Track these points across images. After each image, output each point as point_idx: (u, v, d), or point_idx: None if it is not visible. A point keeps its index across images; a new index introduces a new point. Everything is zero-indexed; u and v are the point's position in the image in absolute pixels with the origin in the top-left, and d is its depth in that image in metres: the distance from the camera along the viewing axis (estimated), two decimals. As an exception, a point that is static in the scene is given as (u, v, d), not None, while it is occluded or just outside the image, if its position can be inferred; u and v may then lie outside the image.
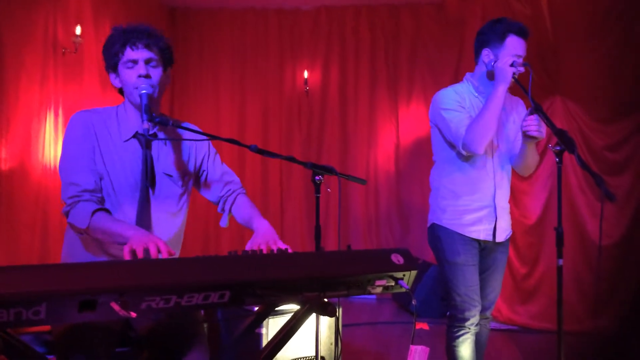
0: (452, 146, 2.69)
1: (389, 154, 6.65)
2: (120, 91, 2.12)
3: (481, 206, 2.68)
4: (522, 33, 2.60)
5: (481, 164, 2.67)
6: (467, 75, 2.81)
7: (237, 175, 2.35)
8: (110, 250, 2.00)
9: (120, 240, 1.78)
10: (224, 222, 2.30)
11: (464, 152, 2.61)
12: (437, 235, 2.74)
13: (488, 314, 2.80)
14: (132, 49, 2.02)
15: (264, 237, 1.95)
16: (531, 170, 2.78)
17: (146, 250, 1.66)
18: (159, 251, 1.67)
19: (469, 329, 2.65)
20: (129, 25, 2.07)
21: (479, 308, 2.66)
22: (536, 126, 2.44)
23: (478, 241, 2.70)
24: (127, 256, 1.63)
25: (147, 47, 2.04)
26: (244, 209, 2.21)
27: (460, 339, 2.66)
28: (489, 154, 2.68)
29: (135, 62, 2.03)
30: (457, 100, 2.67)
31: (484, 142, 2.53)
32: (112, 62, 2.07)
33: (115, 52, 2.04)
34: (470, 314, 2.64)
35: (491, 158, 2.69)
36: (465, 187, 2.69)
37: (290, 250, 1.88)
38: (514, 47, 2.59)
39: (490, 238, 2.69)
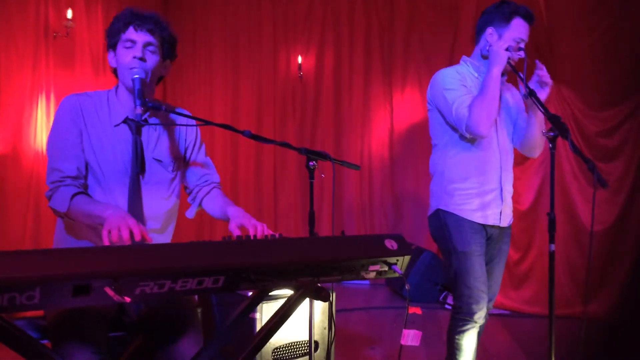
0: (454, 128, 2.58)
1: (383, 139, 6.65)
2: (115, 72, 2.11)
3: (489, 189, 2.58)
4: (528, 17, 2.57)
5: (487, 144, 2.58)
6: (464, 57, 2.72)
7: (229, 163, 2.36)
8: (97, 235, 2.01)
9: (98, 222, 1.79)
10: (190, 213, 2.28)
11: (467, 135, 2.50)
12: (445, 224, 2.60)
13: (491, 305, 2.70)
14: (135, 30, 2.01)
15: (242, 217, 1.96)
16: (538, 149, 2.68)
17: (120, 237, 1.66)
18: (132, 235, 1.67)
19: (476, 322, 2.55)
20: (139, 8, 2.06)
21: (486, 299, 2.56)
22: (545, 71, 2.40)
23: (485, 229, 2.60)
24: (105, 241, 1.64)
25: (150, 32, 2.03)
26: (217, 200, 2.20)
27: (465, 332, 2.56)
28: (493, 135, 2.60)
29: (133, 42, 2.02)
30: (459, 79, 2.58)
31: (489, 123, 2.44)
32: (113, 40, 2.06)
33: (117, 30, 2.03)
34: (478, 307, 2.53)
35: (496, 139, 2.61)
36: (473, 168, 2.58)
37: (266, 229, 1.90)
38: (518, 30, 2.55)
39: (498, 222, 2.59)
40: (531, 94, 2.35)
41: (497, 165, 2.60)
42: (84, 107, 2.05)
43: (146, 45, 2.03)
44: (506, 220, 2.66)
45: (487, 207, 2.58)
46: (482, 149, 2.58)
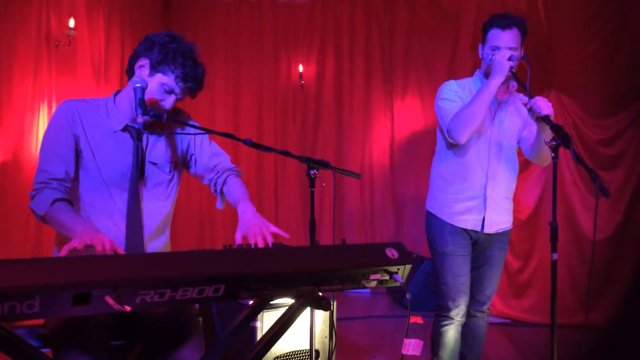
0: (444, 135, 2.74)
1: (383, 147, 6.65)
2: (128, 73, 2.12)
3: (471, 196, 2.70)
4: (506, 25, 2.61)
5: (473, 154, 2.69)
6: (477, 71, 2.82)
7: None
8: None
9: (68, 235, 1.78)
10: (219, 204, 2.30)
11: (450, 140, 2.65)
12: (429, 225, 2.81)
13: (485, 308, 2.84)
14: (178, 84, 2.06)
15: (256, 226, 1.91)
16: (547, 160, 2.71)
17: (88, 247, 1.65)
18: (104, 249, 1.66)
19: (454, 319, 2.71)
20: (197, 63, 2.11)
21: (465, 299, 2.70)
22: (545, 103, 2.39)
23: (468, 233, 2.72)
24: (63, 254, 1.62)
25: (190, 91, 2.11)
26: (233, 189, 2.21)
27: (444, 328, 2.72)
28: (484, 145, 2.69)
29: (171, 92, 2.07)
30: (455, 91, 2.70)
31: (467, 132, 2.56)
32: (157, 62, 2.05)
33: (167, 68, 2.04)
34: (455, 304, 2.69)
35: (487, 149, 2.69)
36: (456, 175, 2.73)
37: (282, 233, 1.90)
38: (493, 40, 2.63)
39: (478, 228, 2.70)
40: (545, 118, 2.36)
41: (482, 174, 2.69)
42: (82, 113, 2.06)
43: (180, 99, 2.10)
44: (493, 227, 2.73)
45: (467, 213, 2.71)
46: (468, 158, 2.70)
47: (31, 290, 1.19)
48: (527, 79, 2.48)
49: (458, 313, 2.70)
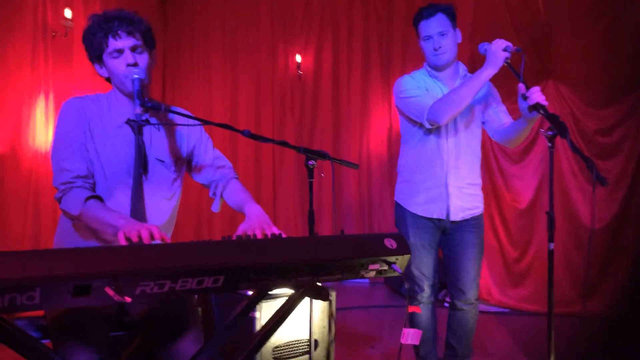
0: (413, 124, 2.80)
1: (381, 138, 6.65)
2: (108, 80, 2.10)
3: (432, 185, 2.76)
4: (429, 14, 2.71)
5: (434, 145, 2.75)
6: (425, 63, 2.88)
7: (229, 160, 2.36)
8: (104, 236, 2.00)
9: (110, 230, 1.78)
10: (215, 207, 2.30)
11: (427, 124, 2.67)
12: (396, 216, 2.93)
13: (470, 299, 2.81)
14: (116, 39, 1.97)
15: (258, 221, 1.94)
16: (519, 143, 2.78)
17: (139, 237, 1.66)
18: (152, 237, 1.67)
19: (421, 301, 2.84)
20: (108, 12, 2.00)
21: (429, 283, 2.81)
22: (540, 93, 2.38)
23: (433, 222, 2.78)
24: (122, 242, 1.64)
25: (130, 34, 1.99)
26: (236, 193, 2.20)
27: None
28: (443, 135, 2.74)
29: (121, 51, 1.99)
30: (415, 82, 2.79)
31: (449, 114, 2.59)
32: (95, 53, 2.03)
33: (98, 43, 1.99)
34: (420, 289, 2.82)
35: (446, 139, 2.74)
36: (417, 166, 2.80)
37: (284, 235, 1.87)
38: (423, 30, 2.74)
39: (443, 216, 2.75)
40: (536, 106, 2.35)
41: (443, 165, 2.75)
42: (87, 110, 2.05)
43: (133, 49, 2.00)
44: (458, 214, 2.77)
45: (431, 202, 2.77)
46: (429, 149, 2.77)
47: (31, 282, 1.19)
48: (521, 69, 2.47)
49: (424, 296, 2.83)
